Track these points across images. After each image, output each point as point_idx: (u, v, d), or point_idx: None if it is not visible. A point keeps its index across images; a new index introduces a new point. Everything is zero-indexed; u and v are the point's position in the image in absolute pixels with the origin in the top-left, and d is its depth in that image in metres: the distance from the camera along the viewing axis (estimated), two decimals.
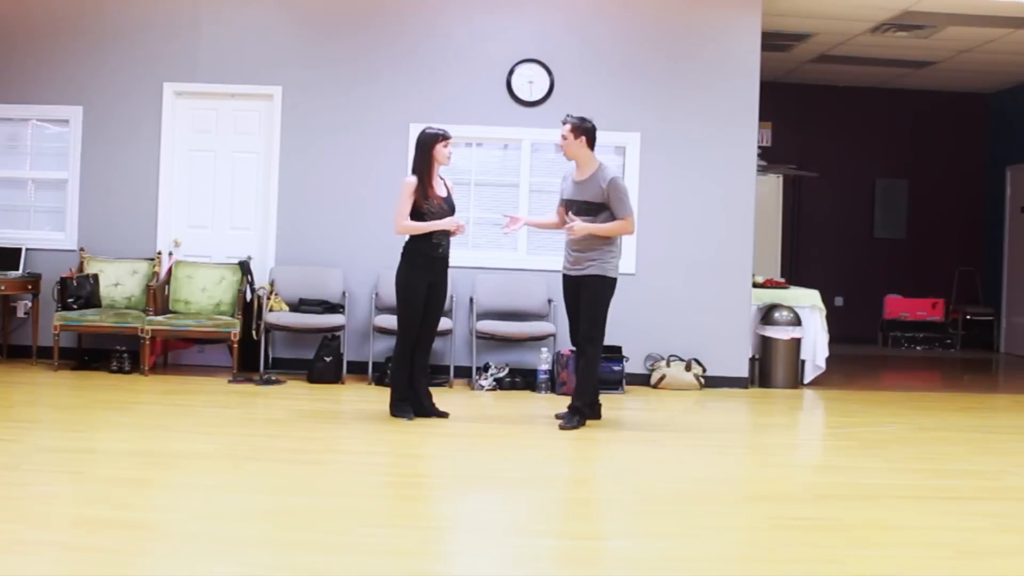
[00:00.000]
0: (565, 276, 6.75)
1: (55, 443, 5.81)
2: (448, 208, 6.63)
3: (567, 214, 6.66)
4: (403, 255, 6.64)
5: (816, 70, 11.96)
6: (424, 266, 6.57)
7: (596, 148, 8.77)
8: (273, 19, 8.83)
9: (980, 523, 4.72)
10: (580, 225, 6.52)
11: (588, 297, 6.57)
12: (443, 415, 6.70)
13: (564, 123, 6.66)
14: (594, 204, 6.54)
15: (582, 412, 6.60)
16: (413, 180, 6.54)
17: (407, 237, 6.62)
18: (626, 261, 8.69)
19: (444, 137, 6.61)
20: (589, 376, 6.65)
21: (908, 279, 12.93)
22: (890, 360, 11.74)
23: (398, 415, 6.61)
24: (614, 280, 6.62)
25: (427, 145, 6.58)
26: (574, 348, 6.91)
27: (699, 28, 8.82)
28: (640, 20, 8.80)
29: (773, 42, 10.27)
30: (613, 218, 6.55)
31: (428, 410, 6.70)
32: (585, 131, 6.60)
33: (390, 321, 8.19)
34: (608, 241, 6.57)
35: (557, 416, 6.75)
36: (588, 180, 6.59)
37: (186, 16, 8.74)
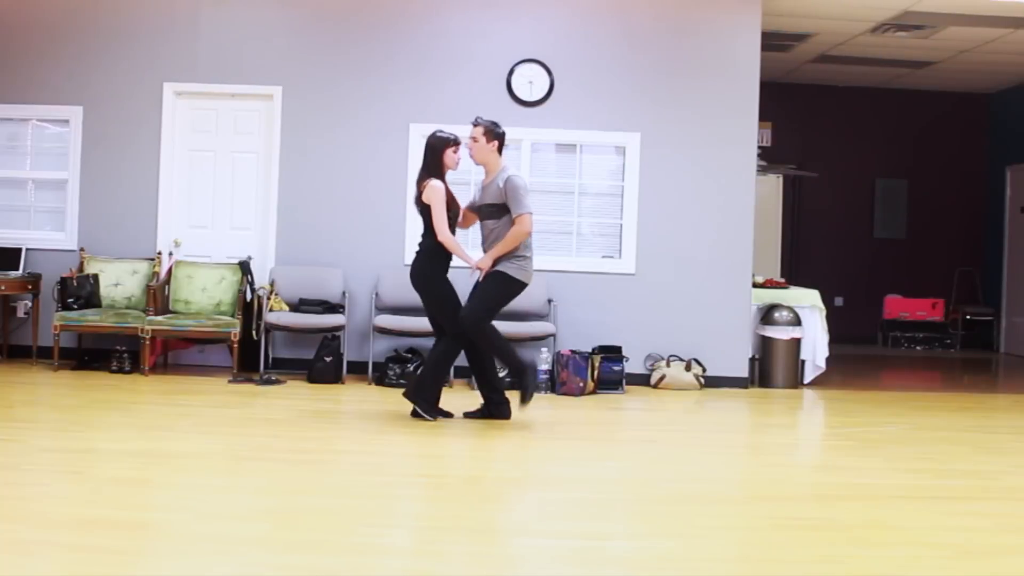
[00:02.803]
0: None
1: (55, 443, 5.81)
2: (456, 214, 6.64)
3: (479, 220, 6.65)
4: (427, 256, 6.53)
5: (816, 70, 11.96)
6: (446, 266, 6.56)
7: (596, 148, 8.90)
8: (273, 19, 8.83)
9: (980, 523, 4.72)
10: (485, 260, 6.48)
11: (483, 283, 6.48)
12: (448, 415, 6.68)
13: (475, 125, 6.56)
14: (495, 205, 6.48)
15: (519, 378, 6.48)
16: (442, 185, 6.46)
17: (428, 239, 6.51)
18: (626, 261, 8.75)
19: (455, 143, 6.55)
20: (491, 350, 6.53)
21: (908, 279, 12.93)
22: (890, 360, 11.74)
23: (429, 416, 6.50)
24: (515, 281, 6.50)
25: (438, 150, 6.52)
26: (466, 352, 6.72)
27: (699, 28, 8.82)
28: (640, 20, 8.81)
29: (773, 42, 10.27)
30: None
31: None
32: (497, 136, 6.55)
33: (390, 321, 8.20)
34: (516, 248, 6.47)
35: (467, 415, 6.68)
36: (490, 183, 6.55)
37: (186, 16, 8.75)
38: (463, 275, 8.21)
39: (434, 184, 6.44)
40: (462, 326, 6.45)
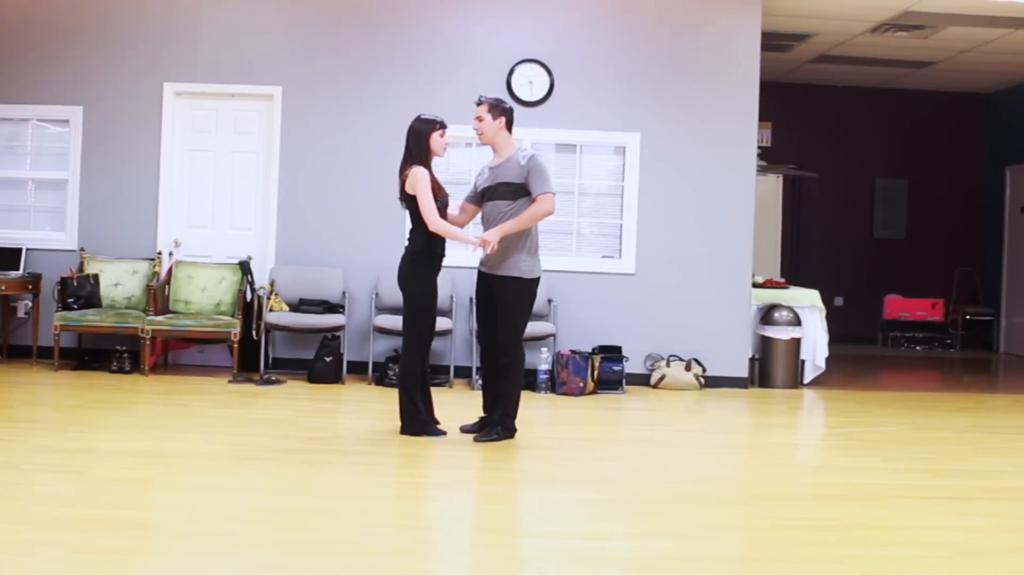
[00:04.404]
0: (479, 274, 6.21)
1: (55, 443, 5.80)
2: (444, 203, 6.18)
3: (485, 202, 6.14)
4: (414, 258, 6.04)
5: (816, 70, 11.96)
6: (436, 268, 6.12)
7: (596, 148, 8.90)
8: (273, 19, 8.83)
9: (980, 523, 4.72)
10: (491, 232, 5.92)
11: (505, 302, 6.04)
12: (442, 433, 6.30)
13: (479, 103, 6.06)
14: (513, 184, 5.96)
15: (504, 425, 6.10)
16: (425, 170, 5.92)
17: (416, 238, 6.06)
18: (626, 261, 8.75)
19: (441, 126, 6.03)
20: (512, 390, 6.09)
21: (908, 279, 12.93)
22: (890, 360, 11.74)
23: (433, 433, 6.12)
24: (534, 281, 6.09)
25: (423, 134, 5.99)
26: (480, 348, 6.33)
27: (699, 28, 8.83)
28: (640, 20, 8.81)
29: (773, 42, 10.27)
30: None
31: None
32: (504, 111, 6.05)
33: (390, 321, 8.20)
34: (523, 235, 6.00)
35: (463, 429, 6.27)
36: (506, 161, 6.04)
37: (186, 16, 8.75)
38: (463, 275, 8.25)
39: (416, 170, 5.91)
40: (506, 354, 6.03)
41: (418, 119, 6.11)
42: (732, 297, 8.77)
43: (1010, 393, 9.52)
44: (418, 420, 6.14)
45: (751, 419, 7.76)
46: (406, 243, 6.20)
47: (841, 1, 9.14)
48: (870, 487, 5.35)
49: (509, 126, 6.12)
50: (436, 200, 5.97)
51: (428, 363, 6.44)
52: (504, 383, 6.13)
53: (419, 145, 6.02)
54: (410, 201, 6.01)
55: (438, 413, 6.32)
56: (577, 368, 8.10)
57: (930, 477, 5.73)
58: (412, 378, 6.12)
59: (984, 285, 12.91)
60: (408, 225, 6.19)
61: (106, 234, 8.72)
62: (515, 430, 6.16)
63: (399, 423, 6.20)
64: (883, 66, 11.60)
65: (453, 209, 6.29)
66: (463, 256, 7.82)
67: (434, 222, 5.92)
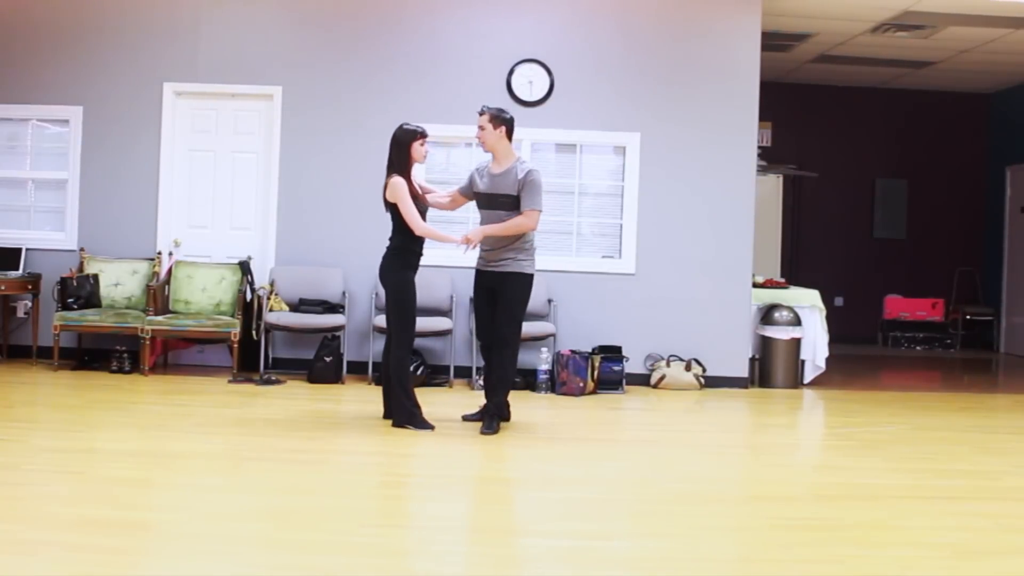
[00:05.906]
0: (479, 272, 6.54)
1: (55, 443, 5.81)
2: (424, 208, 6.48)
3: (483, 209, 6.47)
4: (395, 255, 6.40)
5: (816, 70, 11.96)
6: (415, 265, 6.43)
7: (596, 148, 8.90)
8: (273, 19, 8.83)
9: (980, 523, 4.72)
10: (475, 232, 6.37)
11: (507, 295, 6.37)
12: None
13: (481, 113, 6.41)
14: (512, 197, 6.33)
15: (501, 414, 6.42)
16: (402, 180, 6.30)
17: (395, 238, 6.41)
18: (626, 261, 8.75)
19: (422, 135, 6.39)
20: (505, 376, 6.40)
21: (908, 279, 12.93)
22: (890, 360, 11.74)
23: (424, 427, 6.29)
24: (532, 277, 6.46)
25: (405, 143, 6.37)
26: (481, 344, 6.72)
27: (699, 28, 8.83)
28: (640, 20, 8.81)
29: (773, 42, 10.27)
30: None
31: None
32: (504, 121, 6.39)
33: None
34: (520, 236, 6.38)
35: (465, 417, 6.59)
36: (506, 172, 6.37)
37: (186, 16, 8.75)
38: (463, 275, 8.25)
39: (394, 181, 6.29)
40: (508, 343, 6.32)
41: (401, 128, 6.46)
42: (732, 297, 8.77)
43: (1010, 393, 9.51)
44: (406, 410, 6.32)
45: (751, 419, 7.76)
46: (387, 242, 6.48)
47: (841, 1, 9.14)
48: (870, 487, 5.35)
49: (509, 135, 6.47)
50: (416, 206, 6.31)
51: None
52: (502, 367, 6.38)
53: (400, 153, 6.40)
54: (392, 208, 6.37)
55: (439, 412, 6.37)
56: (577, 368, 8.10)
57: (930, 477, 5.73)
58: (405, 369, 6.41)
59: (984, 285, 12.91)
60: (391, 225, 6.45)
61: (106, 234, 8.72)
62: (503, 415, 6.41)
63: (391, 419, 6.39)
64: (883, 66, 11.60)
65: (444, 197, 6.70)
66: (465, 257, 7.81)
67: (418, 226, 6.30)
